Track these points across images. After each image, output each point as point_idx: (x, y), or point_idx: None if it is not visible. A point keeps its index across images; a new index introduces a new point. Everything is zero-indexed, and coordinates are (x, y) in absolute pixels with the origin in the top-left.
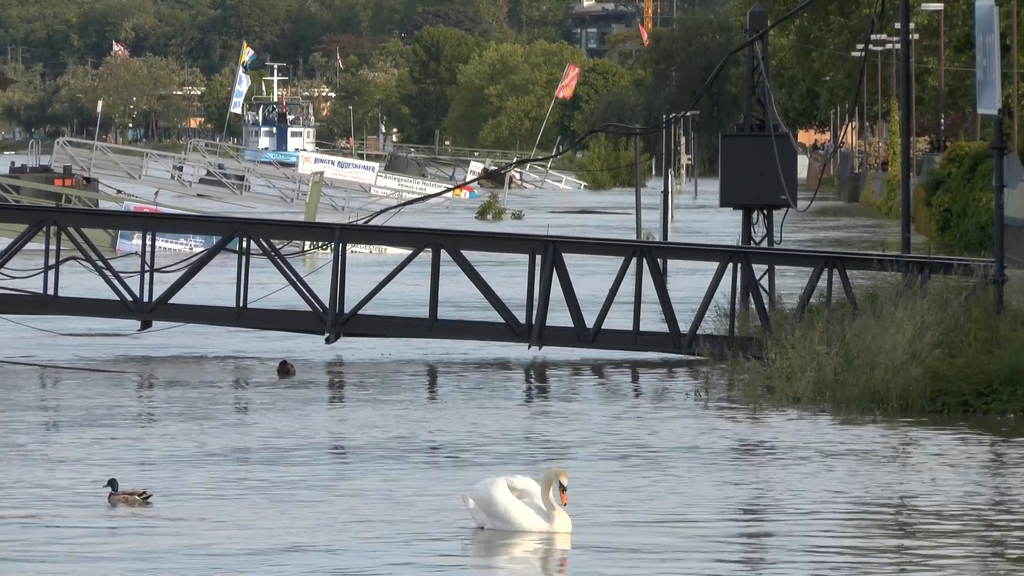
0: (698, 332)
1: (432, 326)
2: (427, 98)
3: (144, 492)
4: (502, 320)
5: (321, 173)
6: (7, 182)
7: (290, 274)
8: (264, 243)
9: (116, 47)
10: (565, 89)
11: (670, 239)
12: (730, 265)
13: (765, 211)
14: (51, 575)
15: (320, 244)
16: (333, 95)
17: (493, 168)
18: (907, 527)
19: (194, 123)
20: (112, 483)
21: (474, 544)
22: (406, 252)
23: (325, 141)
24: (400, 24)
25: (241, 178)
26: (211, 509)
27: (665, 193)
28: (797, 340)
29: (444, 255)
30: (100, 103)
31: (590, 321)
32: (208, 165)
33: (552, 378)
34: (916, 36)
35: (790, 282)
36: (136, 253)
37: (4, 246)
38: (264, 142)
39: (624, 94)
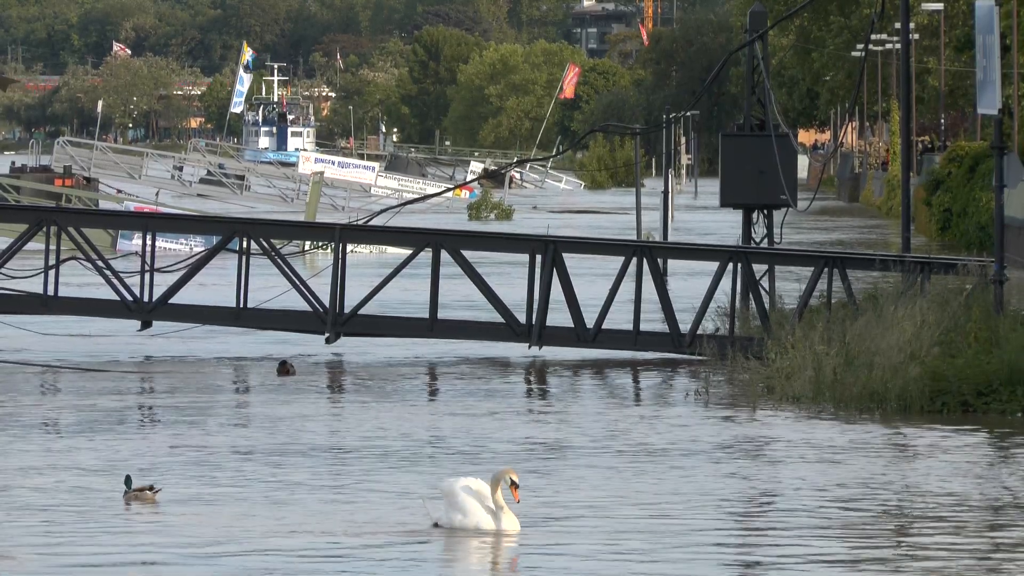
0: (698, 332)
1: (432, 326)
2: (427, 98)
3: (151, 486)
4: (502, 320)
5: (321, 173)
6: (7, 182)
7: (290, 274)
8: (264, 243)
9: (116, 47)
10: (566, 90)
11: (670, 239)
12: (730, 265)
13: (765, 211)
14: (51, 574)
15: (320, 244)
16: (333, 95)
17: (493, 168)
18: (906, 526)
19: (194, 123)
20: (128, 480)
21: (443, 544)
22: (406, 252)
23: (325, 141)
24: (400, 24)
25: (241, 178)
26: (211, 509)
27: (665, 193)
28: (797, 340)
29: (444, 255)
30: (100, 103)
31: (590, 321)
32: (208, 165)
33: (552, 378)
34: (916, 36)
35: (790, 282)
36: (136, 253)
37: (4, 246)
38: (264, 142)
39: (624, 94)
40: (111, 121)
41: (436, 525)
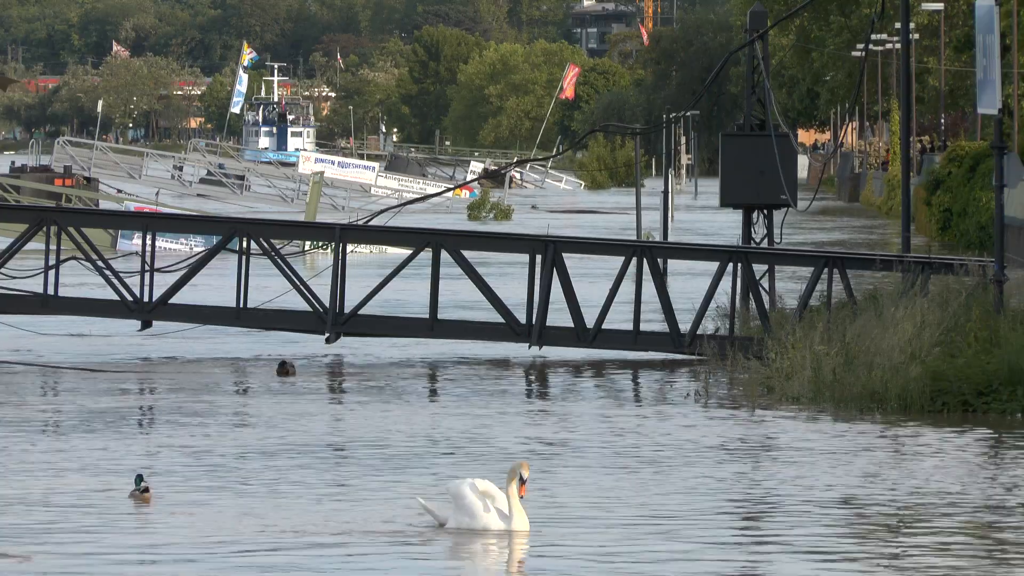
0: (698, 332)
1: (432, 326)
2: (427, 98)
3: (145, 486)
4: (502, 320)
5: (321, 173)
6: (7, 182)
7: (290, 274)
8: (264, 243)
9: (116, 47)
10: (566, 90)
11: (670, 239)
12: (730, 265)
13: (765, 211)
14: (52, 573)
15: (320, 244)
16: (333, 95)
17: (493, 168)
18: (906, 527)
19: (194, 123)
20: (138, 479)
21: (446, 545)
22: (406, 252)
23: (325, 141)
24: (400, 24)
25: (241, 178)
26: (209, 509)
27: (665, 193)
28: (797, 340)
29: (444, 255)
30: (100, 103)
31: (590, 321)
32: (208, 165)
33: (552, 378)
34: (916, 36)
35: (790, 282)
36: (136, 253)
37: (4, 246)
38: (264, 142)
39: (624, 94)
40: (111, 121)
41: (442, 526)
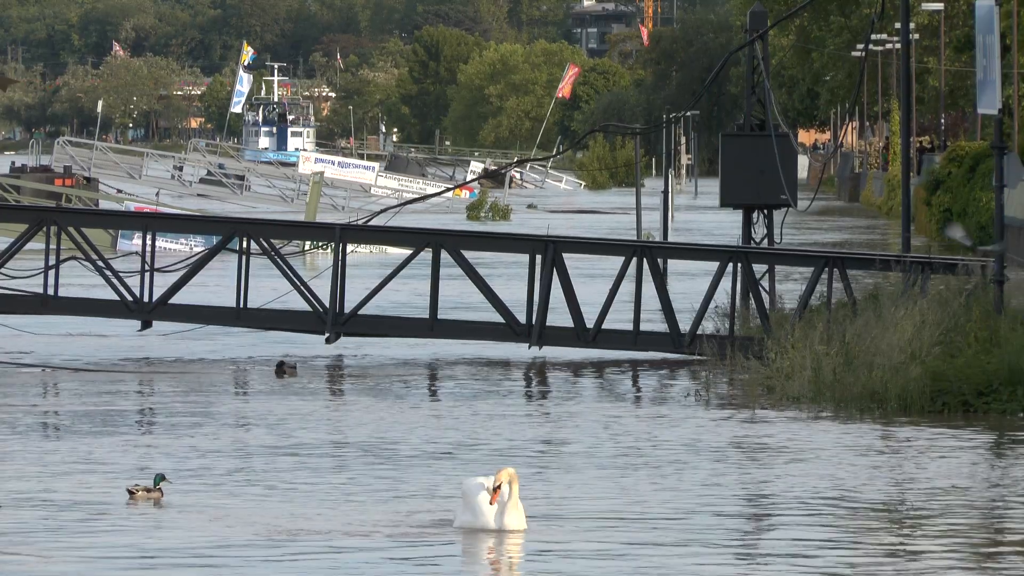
0: (698, 332)
1: (432, 326)
2: (427, 98)
3: (136, 486)
4: (502, 320)
5: (321, 173)
6: (7, 182)
7: (290, 274)
8: (264, 243)
9: (116, 47)
10: (564, 89)
11: (670, 239)
12: (730, 265)
13: (765, 211)
14: (55, 573)
15: (320, 244)
16: (333, 95)
17: (493, 168)
18: (906, 526)
19: (194, 123)
20: (157, 479)
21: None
22: (406, 252)
23: (325, 141)
24: (400, 24)
25: (241, 178)
26: (208, 509)
27: (665, 193)
28: (797, 340)
29: (444, 255)
30: (100, 103)
31: (590, 321)
32: (208, 165)
33: (552, 378)
34: (916, 36)
35: (790, 282)
36: (136, 253)
37: (4, 246)
38: (264, 142)
39: (624, 94)
40: (111, 121)
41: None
